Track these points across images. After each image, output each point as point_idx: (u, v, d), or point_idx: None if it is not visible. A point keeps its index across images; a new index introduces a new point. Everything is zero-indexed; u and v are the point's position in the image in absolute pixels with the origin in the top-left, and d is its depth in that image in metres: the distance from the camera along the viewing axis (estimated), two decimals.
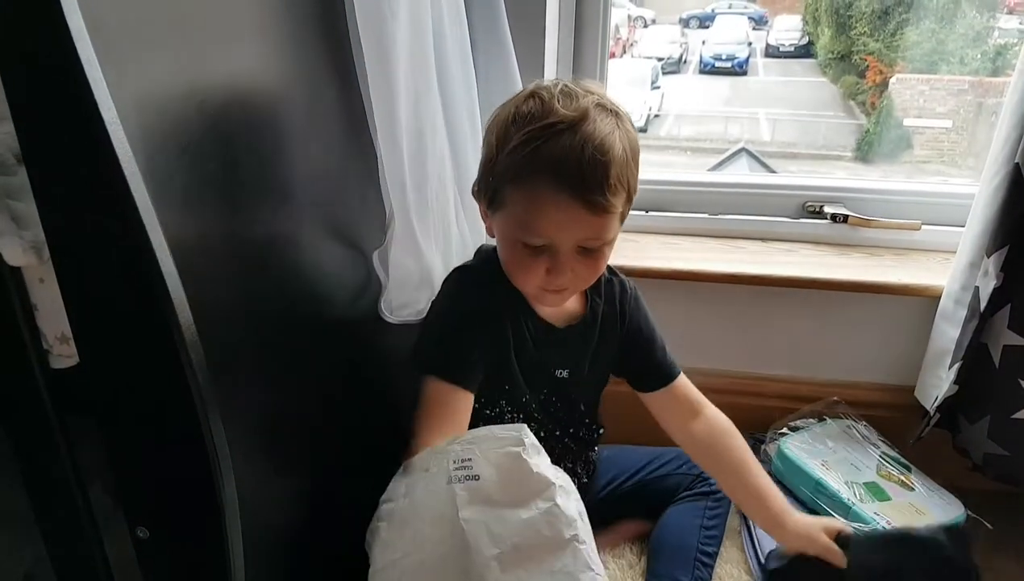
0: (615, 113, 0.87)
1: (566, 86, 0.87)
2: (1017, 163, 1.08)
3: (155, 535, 0.59)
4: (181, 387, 0.54)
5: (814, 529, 1.01)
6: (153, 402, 0.55)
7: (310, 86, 0.82)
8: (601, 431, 1.12)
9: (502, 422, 0.99)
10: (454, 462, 0.78)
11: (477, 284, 0.98)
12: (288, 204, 0.77)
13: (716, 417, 1.07)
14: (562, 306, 1.00)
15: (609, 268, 1.03)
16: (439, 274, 1.03)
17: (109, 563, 0.66)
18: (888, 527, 1.12)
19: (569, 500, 0.78)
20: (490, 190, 0.91)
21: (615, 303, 1.05)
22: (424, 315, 1.02)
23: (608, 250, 0.91)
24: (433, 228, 1.03)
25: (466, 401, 0.92)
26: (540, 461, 0.79)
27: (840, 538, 1.00)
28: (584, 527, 0.78)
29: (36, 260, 0.53)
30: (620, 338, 1.06)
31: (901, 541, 1.04)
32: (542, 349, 1.00)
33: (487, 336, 0.95)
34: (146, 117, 0.54)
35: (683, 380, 1.08)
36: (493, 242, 0.98)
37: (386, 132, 0.90)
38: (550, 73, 1.35)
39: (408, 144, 0.93)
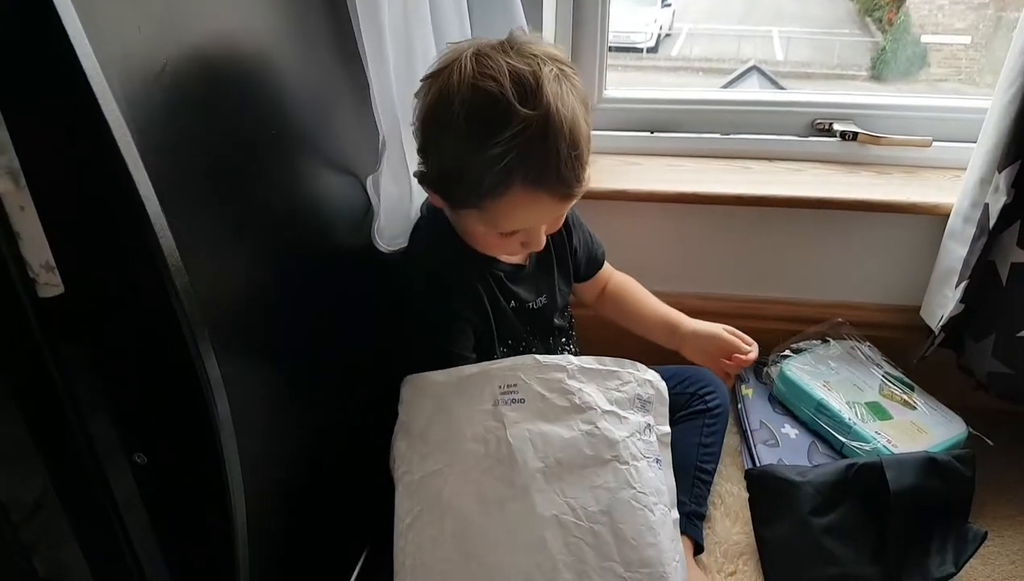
0: (563, 75, 0.83)
1: (512, 67, 0.81)
2: None
3: (152, 460, 0.60)
4: (168, 314, 0.54)
5: (714, 327, 1.12)
6: (139, 328, 0.55)
7: (295, 10, 0.79)
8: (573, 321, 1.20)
9: None
10: (500, 387, 0.87)
11: (444, 248, 0.98)
12: (276, 128, 0.75)
13: (617, 276, 1.22)
14: None
15: None
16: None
17: (112, 491, 0.67)
18: (890, 447, 1.13)
19: (615, 424, 0.88)
20: (452, 195, 0.89)
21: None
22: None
23: (568, 212, 0.98)
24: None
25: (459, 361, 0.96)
26: (583, 387, 0.88)
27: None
28: (631, 449, 0.87)
29: (12, 185, 0.52)
30: (569, 249, 1.11)
31: (927, 465, 1.06)
32: (515, 287, 1.02)
33: (468, 300, 0.98)
34: (119, 37, 0.52)
35: (606, 264, 1.20)
36: None
37: (376, 57, 0.87)
38: (549, 6, 1.30)
39: (397, 70, 0.91)
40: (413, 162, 0.96)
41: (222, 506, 0.63)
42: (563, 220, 0.98)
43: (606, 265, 1.19)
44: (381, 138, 0.93)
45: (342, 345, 0.95)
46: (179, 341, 0.55)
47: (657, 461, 0.90)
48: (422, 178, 0.91)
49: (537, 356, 0.91)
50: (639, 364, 0.96)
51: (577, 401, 0.88)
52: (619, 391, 0.92)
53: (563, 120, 0.81)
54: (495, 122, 0.79)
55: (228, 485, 0.62)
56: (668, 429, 0.96)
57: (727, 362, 1.09)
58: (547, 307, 1.08)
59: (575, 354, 1.13)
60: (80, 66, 0.46)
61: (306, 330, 0.85)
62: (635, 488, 0.84)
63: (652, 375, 0.97)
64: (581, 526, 0.83)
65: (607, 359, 0.94)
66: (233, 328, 0.67)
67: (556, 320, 1.12)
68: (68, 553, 0.65)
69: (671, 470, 0.95)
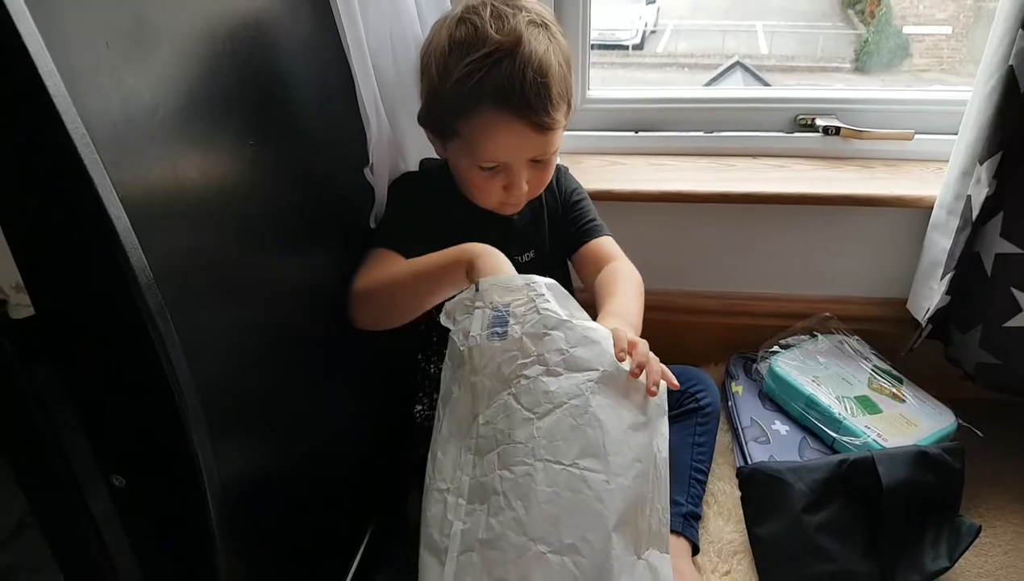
0: (545, 26, 0.91)
1: (495, 6, 0.90)
2: (1011, 66, 1.05)
3: (131, 483, 0.60)
4: (143, 335, 0.53)
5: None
6: (111, 348, 0.54)
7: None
8: None
9: None
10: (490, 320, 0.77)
11: (417, 182, 1.07)
12: (265, 117, 0.74)
13: (614, 267, 1.05)
14: None
15: None
16: None
17: (91, 513, 0.66)
18: (881, 441, 1.13)
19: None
20: (437, 122, 0.96)
21: (551, 188, 1.11)
22: None
23: (554, 160, 1.00)
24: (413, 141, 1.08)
25: (388, 257, 0.96)
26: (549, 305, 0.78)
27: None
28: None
29: None
30: (563, 212, 1.12)
31: (918, 458, 1.06)
32: (499, 236, 0.97)
33: (433, 212, 1.01)
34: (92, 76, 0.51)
35: (607, 240, 1.11)
36: (435, 156, 1.06)
37: (357, 49, 0.90)
38: None
39: (376, 60, 0.95)
40: (408, 151, 1.05)
41: (201, 526, 0.62)
42: (548, 174, 1.00)
43: (606, 250, 1.09)
44: (367, 126, 0.96)
45: (331, 350, 0.94)
46: (154, 361, 0.54)
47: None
48: (420, 118, 1.00)
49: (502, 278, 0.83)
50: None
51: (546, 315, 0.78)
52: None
53: (533, 51, 0.88)
54: (471, 45, 0.88)
55: (208, 505, 0.61)
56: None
57: None
58: (533, 264, 1.07)
59: None
60: (46, 89, 0.45)
61: (292, 339, 0.84)
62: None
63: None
64: None
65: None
66: (210, 347, 0.66)
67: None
68: (49, 575, 0.64)
69: None
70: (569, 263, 1.14)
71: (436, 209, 1.02)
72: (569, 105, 0.96)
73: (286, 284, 0.83)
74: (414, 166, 1.11)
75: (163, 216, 0.58)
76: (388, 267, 0.95)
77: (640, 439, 0.75)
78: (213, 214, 0.68)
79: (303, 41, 0.84)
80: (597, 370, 0.75)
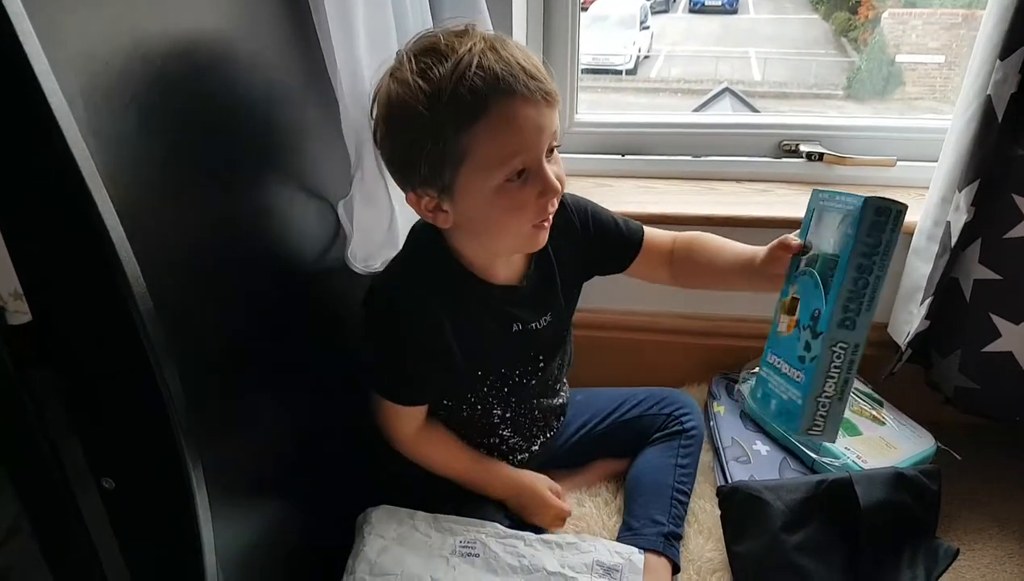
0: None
1: (441, 35, 0.84)
2: (989, 95, 1.08)
3: (120, 486, 0.61)
4: (133, 339, 0.55)
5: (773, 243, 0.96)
6: (105, 354, 0.56)
7: (262, 32, 0.81)
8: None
9: (492, 406, 1.06)
10: (461, 541, 0.99)
11: (420, 287, 0.95)
12: (245, 154, 0.77)
13: (682, 239, 1.10)
14: (511, 263, 1.00)
15: None
16: (403, 228, 1.03)
17: (83, 515, 0.67)
18: (860, 463, 1.15)
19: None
20: (428, 168, 0.84)
21: (561, 224, 1.00)
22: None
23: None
24: None
25: (420, 410, 1.03)
26: (536, 552, 1.00)
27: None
28: None
29: None
30: (581, 245, 1.06)
31: (895, 480, 1.07)
32: (515, 310, 1.01)
33: (439, 348, 0.97)
34: (87, 71, 0.54)
35: (650, 232, 1.10)
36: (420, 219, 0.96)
37: (349, 80, 0.89)
38: (519, 16, 1.33)
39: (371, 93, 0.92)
40: (393, 186, 0.96)
41: (190, 530, 0.63)
42: (561, 169, 0.89)
43: (656, 235, 1.10)
44: (353, 159, 0.95)
45: (314, 363, 0.96)
46: (145, 367, 0.56)
47: None
48: (404, 182, 0.90)
49: (499, 526, 1.03)
50: (617, 543, 1.06)
51: (526, 562, 0.99)
52: (574, 556, 1.01)
53: (507, 40, 0.84)
54: (445, 63, 0.80)
55: (196, 510, 0.62)
56: None
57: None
58: (552, 326, 1.05)
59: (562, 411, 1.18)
60: (46, 99, 0.47)
61: (275, 352, 0.86)
62: None
63: (625, 548, 1.04)
64: None
65: (576, 536, 1.05)
66: (200, 352, 0.68)
67: (565, 336, 1.10)
68: (41, 578, 0.65)
69: None
70: (627, 273, 1.12)
71: (441, 324, 0.95)
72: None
73: (274, 288, 0.85)
74: (397, 216, 1.03)
75: (153, 229, 0.61)
76: (432, 442, 1.06)
77: None
78: (203, 226, 0.70)
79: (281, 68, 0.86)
80: None
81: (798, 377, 0.86)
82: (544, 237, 0.93)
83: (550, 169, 0.86)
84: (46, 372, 0.59)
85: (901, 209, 0.81)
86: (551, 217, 0.91)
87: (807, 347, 0.85)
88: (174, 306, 0.60)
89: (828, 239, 0.85)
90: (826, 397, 0.85)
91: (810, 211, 0.90)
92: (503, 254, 0.97)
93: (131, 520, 0.63)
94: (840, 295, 0.81)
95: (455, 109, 0.80)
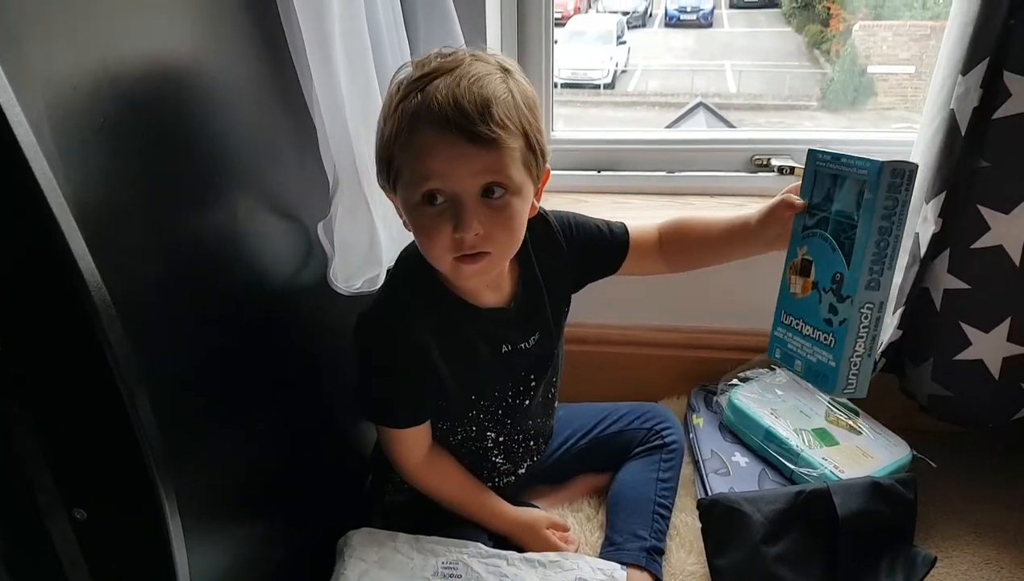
0: (503, 68, 0.86)
1: (443, 51, 0.87)
2: (952, 109, 1.10)
3: (92, 516, 0.61)
4: (101, 367, 0.55)
5: (773, 201, 0.97)
6: (74, 383, 0.56)
7: (233, 52, 0.81)
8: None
9: (481, 429, 1.06)
10: (443, 563, 1.00)
11: (406, 309, 0.95)
12: (217, 177, 0.77)
13: (666, 224, 1.09)
14: (497, 286, 0.99)
15: (533, 219, 0.97)
16: (386, 245, 1.03)
17: (55, 548, 0.67)
18: (837, 473, 1.16)
19: None
20: (385, 166, 0.88)
21: (547, 243, 1.03)
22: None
23: (517, 204, 0.86)
24: (381, 198, 1.00)
25: (422, 430, 1.03)
26: (520, 572, 1.01)
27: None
28: None
29: None
30: (568, 260, 1.05)
31: (872, 489, 1.08)
32: (501, 331, 1.00)
33: (429, 371, 0.96)
34: (55, 96, 0.54)
35: (634, 228, 1.09)
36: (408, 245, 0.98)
37: (327, 99, 0.89)
38: (493, 33, 1.34)
39: (352, 111, 0.93)
40: (375, 197, 0.97)
41: (164, 558, 0.63)
42: (508, 222, 0.86)
43: (641, 229, 1.09)
44: (332, 179, 0.94)
45: (290, 384, 0.96)
46: (115, 395, 0.55)
47: None
48: (383, 179, 0.92)
49: (481, 545, 1.03)
50: (600, 560, 1.06)
51: None
52: (557, 575, 1.01)
53: (473, 70, 0.82)
54: (413, 75, 0.84)
55: (169, 537, 0.62)
56: None
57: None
58: (540, 345, 1.04)
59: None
60: (10, 128, 0.47)
61: (250, 374, 0.86)
62: None
63: (608, 565, 1.04)
64: None
65: (558, 554, 1.06)
66: (173, 376, 0.68)
67: (555, 352, 1.09)
68: None
69: None
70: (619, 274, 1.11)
71: (427, 345, 0.95)
72: (528, 141, 0.86)
73: (248, 309, 0.85)
74: (379, 234, 1.02)
75: (125, 252, 0.61)
76: (439, 470, 1.07)
77: None
78: (174, 250, 0.70)
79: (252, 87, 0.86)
80: None
81: (827, 340, 0.90)
82: (469, 274, 0.89)
83: (478, 209, 0.83)
84: (14, 404, 0.58)
85: (914, 168, 0.85)
86: (479, 260, 0.87)
87: (832, 310, 0.89)
88: (144, 330, 0.60)
89: (839, 201, 0.89)
90: (857, 356, 0.89)
91: (811, 172, 0.92)
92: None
93: (104, 550, 0.63)
94: (865, 259, 0.85)
95: (396, 121, 0.83)
